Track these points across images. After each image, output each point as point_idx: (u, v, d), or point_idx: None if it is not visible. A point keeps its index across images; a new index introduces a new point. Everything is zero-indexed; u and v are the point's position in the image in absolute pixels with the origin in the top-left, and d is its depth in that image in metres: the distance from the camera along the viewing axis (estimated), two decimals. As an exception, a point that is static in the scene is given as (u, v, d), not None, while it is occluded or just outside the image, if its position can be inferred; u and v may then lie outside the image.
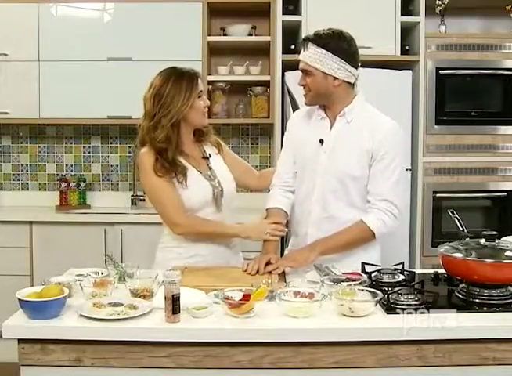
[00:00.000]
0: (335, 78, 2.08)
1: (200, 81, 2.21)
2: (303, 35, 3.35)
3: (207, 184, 2.22)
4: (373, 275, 1.95)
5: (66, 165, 3.99)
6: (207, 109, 2.22)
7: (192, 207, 2.19)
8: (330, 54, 2.06)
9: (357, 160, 2.13)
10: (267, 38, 3.60)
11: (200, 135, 2.30)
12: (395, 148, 2.13)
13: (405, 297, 1.70)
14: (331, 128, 2.18)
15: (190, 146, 2.27)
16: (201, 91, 2.19)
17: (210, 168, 2.27)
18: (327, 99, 2.15)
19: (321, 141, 2.17)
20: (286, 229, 2.24)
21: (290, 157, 2.28)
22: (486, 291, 1.76)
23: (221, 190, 2.24)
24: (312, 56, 2.07)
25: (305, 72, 2.11)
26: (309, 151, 2.20)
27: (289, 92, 3.38)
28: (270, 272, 2.04)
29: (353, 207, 2.16)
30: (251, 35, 3.68)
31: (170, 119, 2.14)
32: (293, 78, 3.36)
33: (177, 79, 2.17)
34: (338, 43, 2.08)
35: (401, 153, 2.18)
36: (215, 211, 2.23)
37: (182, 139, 2.21)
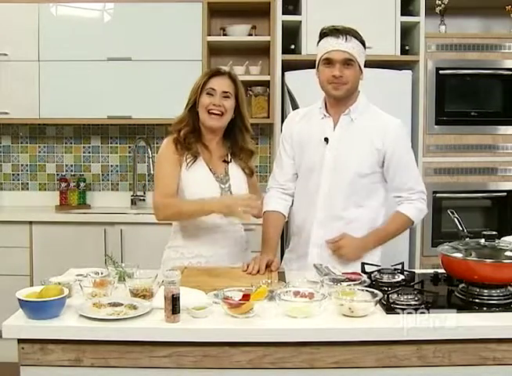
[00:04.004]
0: (361, 73, 2.15)
1: (216, 79, 2.22)
2: (303, 35, 3.40)
3: (216, 185, 2.23)
4: (372, 275, 1.95)
5: (66, 165, 3.99)
6: (213, 106, 2.19)
7: None
8: (364, 49, 2.14)
9: (365, 159, 2.14)
10: (267, 38, 3.60)
11: (240, 152, 2.30)
12: (407, 143, 2.26)
13: (405, 297, 1.70)
14: (335, 126, 2.18)
15: (215, 146, 2.29)
16: (212, 88, 2.20)
17: (226, 172, 2.28)
18: (352, 94, 2.17)
19: (326, 140, 2.17)
20: (259, 206, 2.16)
21: (289, 159, 2.28)
22: (486, 291, 1.76)
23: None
24: (356, 47, 2.10)
25: (346, 63, 2.10)
26: (313, 151, 2.20)
27: (289, 92, 3.38)
28: (271, 272, 2.04)
29: (359, 205, 2.18)
30: (251, 35, 3.68)
31: (186, 105, 2.26)
32: (293, 78, 3.38)
33: (203, 74, 2.29)
34: (364, 40, 2.14)
35: (409, 145, 2.28)
36: (222, 216, 2.23)
37: (204, 133, 2.26)
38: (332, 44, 2.09)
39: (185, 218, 2.24)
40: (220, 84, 2.21)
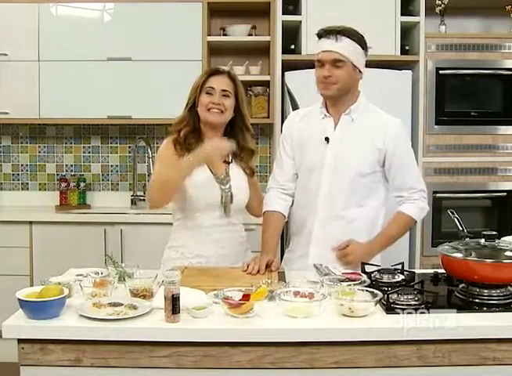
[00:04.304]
0: (359, 72, 2.14)
1: (214, 78, 2.22)
2: (303, 35, 3.40)
3: (216, 186, 2.22)
4: (372, 275, 1.95)
5: (66, 165, 3.99)
6: (212, 105, 2.19)
7: (199, 206, 2.20)
8: (360, 48, 2.12)
9: (366, 158, 2.15)
10: (267, 38, 3.60)
11: (241, 152, 2.30)
12: (407, 142, 2.26)
13: (405, 297, 1.70)
14: (335, 126, 2.18)
15: None
16: (211, 87, 2.20)
17: (226, 173, 2.27)
18: (346, 94, 2.16)
19: (326, 139, 2.17)
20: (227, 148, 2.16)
21: (289, 159, 2.28)
22: (486, 291, 1.76)
23: (231, 197, 2.24)
24: (347, 47, 2.09)
25: (335, 63, 2.10)
26: (314, 150, 2.20)
27: (289, 92, 3.38)
28: (271, 272, 2.04)
29: (359, 205, 2.18)
30: (251, 35, 3.68)
31: (186, 105, 2.26)
32: (293, 78, 3.37)
33: (202, 73, 2.28)
34: (363, 39, 2.14)
35: (410, 144, 2.28)
36: (223, 216, 2.24)
37: (204, 131, 2.26)
38: (323, 44, 2.12)
39: (172, 186, 2.15)
40: (219, 83, 2.21)
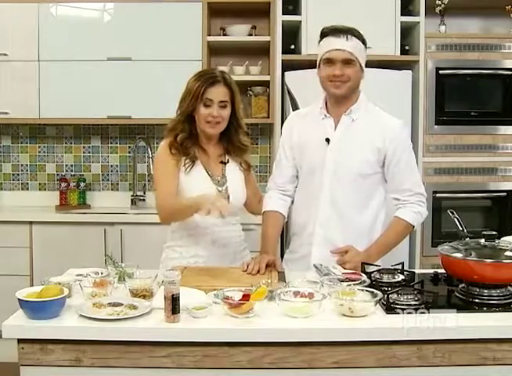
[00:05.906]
0: (362, 72, 2.15)
1: (212, 89, 2.17)
2: (303, 35, 3.41)
3: (213, 187, 2.22)
4: (372, 275, 1.95)
5: (66, 165, 4.00)
6: (211, 118, 2.17)
7: None
8: (365, 48, 2.14)
9: (367, 159, 2.15)
10: (267, 38, 3.60)
11: (235, 149, 2.30)
12: (408, 143, 2.23)
13: (405, 297, 1.70)
14: (336, 126, 2.18)
15: (212, 148, 2.29)
16: (210, 99, 2.17)
17: (223, 174, 2.27)
18: (353, 92, 2.17)
19: (327, 140, 2.17)
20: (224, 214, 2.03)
21: (289, 160, 2.28)
22: (486, 291, 1.76)
23: (228, 198, 2.24)
24: (357, 46, 2.11)
25: (347, 62, 2.10)
26: (315, 151, 2.20)
27: (289, 92, 3.38)
28: (271, 272, 2.04)
29: (360, 206, 2.18)
30: (251, 35, 3.68)
31: (180, 113, 2.24)
32: (293, 78, 3.38)
33: (197, 79, 2.21)
34: (365, 40, 2.15)
35: (410, 146, 2.25)
36: (219, 216, 2.23)
37: (200, 137, 2.26)
38: (333, 43, 2.10)
39: (179, 217, 2.22)
40: (216, 94, 2.17)
